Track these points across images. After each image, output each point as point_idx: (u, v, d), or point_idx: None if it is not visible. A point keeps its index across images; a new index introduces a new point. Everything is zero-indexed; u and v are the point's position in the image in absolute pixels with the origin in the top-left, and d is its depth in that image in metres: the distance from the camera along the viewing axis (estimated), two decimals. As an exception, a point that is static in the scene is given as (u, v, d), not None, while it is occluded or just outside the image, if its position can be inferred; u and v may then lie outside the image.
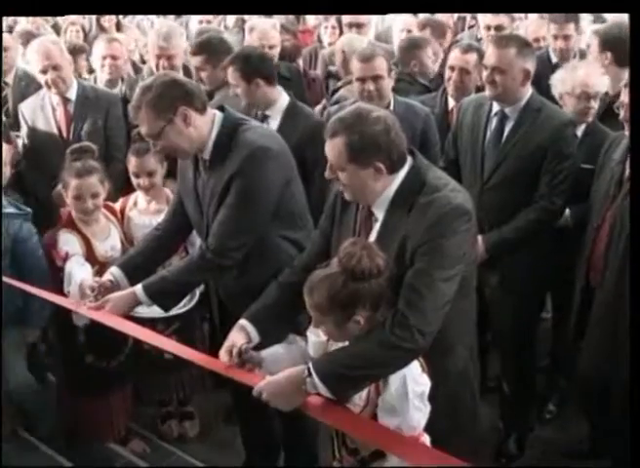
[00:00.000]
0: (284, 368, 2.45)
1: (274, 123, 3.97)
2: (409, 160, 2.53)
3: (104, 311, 3.05)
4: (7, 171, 4.04)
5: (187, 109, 2.89)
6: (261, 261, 3.09)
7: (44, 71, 4.46)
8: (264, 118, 4.01)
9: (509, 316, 3.71)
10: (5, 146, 4.07)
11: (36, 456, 3.90)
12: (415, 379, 2.32)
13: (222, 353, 2.62)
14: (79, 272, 3.43)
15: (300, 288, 2.49)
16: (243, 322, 2.71)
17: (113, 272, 3.22)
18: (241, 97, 3.99)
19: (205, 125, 2.98)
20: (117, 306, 3.05)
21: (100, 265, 3.59)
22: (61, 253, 3.59)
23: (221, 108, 3.08)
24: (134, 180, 3.85)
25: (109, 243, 3.73)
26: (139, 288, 3.05)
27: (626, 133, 3.30)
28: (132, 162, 3.82)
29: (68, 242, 3.63)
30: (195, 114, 2.92)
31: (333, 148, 2.46)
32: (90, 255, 3.64)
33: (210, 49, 4.49)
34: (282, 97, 4.01)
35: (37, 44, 4.58)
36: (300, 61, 6.01)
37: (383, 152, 2.43)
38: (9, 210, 3.68)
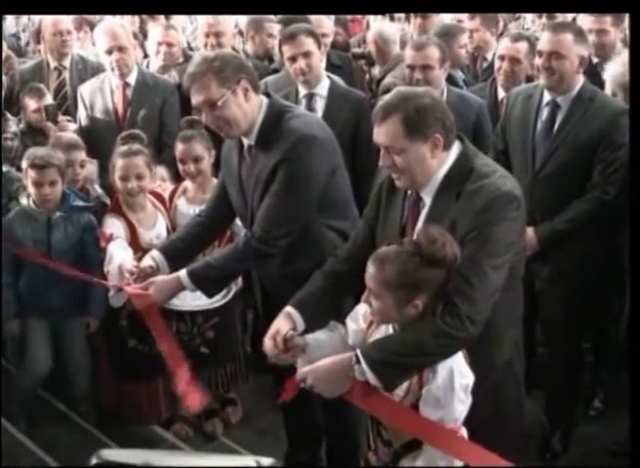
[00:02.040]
0: (327, 353, 2.46)
1: (321, 102, 4.06)
2: (458, 146, 2.52)
3: (147, 293, 3.07)
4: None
5: (248, 84, 2.91)
6: (306, 250, 3.07)
7: (109, 52, 4.50)
8: (311, 97, 4.06)
9: (559, 309, 3.65)
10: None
11: (81, 436, 3.96)
12: (461, 372, 2.31)
13: (267, 339, 2.63)
14: (120, 254, 3.45)
15: (346, 277, 2.55)
16: (289, 309, 2.70)
17: (154, 255, 3.23)
18: (308, 65, 4.01)
19: (256, 106, 2.98)
20: (161, 289, 3.07)
21: (143, 252, 3.59)
22: (106, 234, 3.63)
23: (267, 94, 3.09)
24: (180, 167, 3.87)
25: (155, 231, 3.76)
26: (183, 273, 3.06)
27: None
28: (178, 148, 3.85)
29: (113, 225, 3.67)
30: (253, 92, 2.94)
31: (388, 130, 2.44)
32: (134, 242, 3.68)
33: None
34: (325, 77, 4.12)
35: (105, 25, 4.69)
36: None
37: (439, 122, 2.43)
38: (78, 203, 3.80)
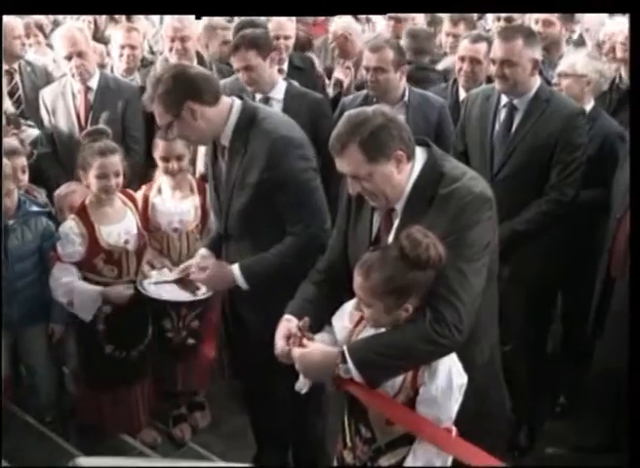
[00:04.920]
0: None
1: (278, 105, 4.08)
2: (423, 152, 2.52)
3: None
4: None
5: (195, 104, 2.90)
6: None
7: (69, 58, 4.46)
8: (267, 101, 4.08)
9: (522, 309, 3.68)
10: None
11: (46, 445, 3.90)
12: (459, 372, 2.35)
13: (279, 339, 2.57)
14: (80, 283, 3.58)
15: (330, 287, 2.62)
16: (288, 316, 2.66)
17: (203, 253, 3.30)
18: (252, 78, 4.03)
19: (218, 114, 2.98)
20: (215, 278, 3.12)
21: (105, 254, 3.64)
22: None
23: (240, 97, 3.10)
24: (162, 165, 3.84)
25: (124, 226, 3.72)
26: (236, 267, 3.07)
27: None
28: (160, 146, 3.80)
29: (68, 235, 3.62)
30: (204, 108, 2.93)
31: (349, 160, 2.43)
32: (92, 243, 3.63)
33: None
34: (280, 80, 4.13)
35: (63, 30, 4.61)
36: (313, 54, 5.97)
37: (397, 138, 2.42)
38: (33, 208, 3.74)
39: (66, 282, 3.60)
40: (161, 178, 3.91)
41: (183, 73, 2.95)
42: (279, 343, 2.57)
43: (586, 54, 3.96)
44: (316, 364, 2.43)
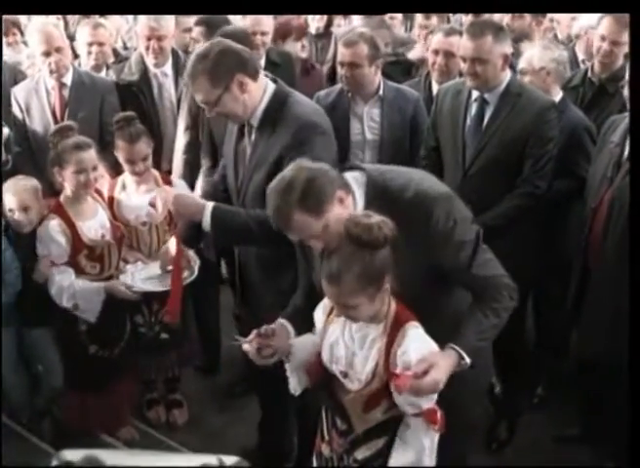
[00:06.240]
0: (309, 351, 2.51)
1: None
2: (363, 175, 2.51)
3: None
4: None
5: (244, 77, 2.94)
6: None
7: (47, 53, 4.41)
8: None
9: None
10: None
11: (24, 447, 3.88)
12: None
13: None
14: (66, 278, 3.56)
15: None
16: (282, 321, 2.66)
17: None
18: None
19: (257, 91, 3.02)
20: (185, 200, 3.11)
21: (88, 250, 3.63)
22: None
23: (274, 80, 3.13)
24: (128, 167, 3.82)
25: (98, 221, 3.71)
26: (209, 205, 3.05)
27: (623, 115, 3.34)
28: (124, 148, 3.77)
29: (52, 236, 3.57)
30: (250, 81, 2.97)
31: (301, 223, 2.36)
32: (76, 240, 3.61)
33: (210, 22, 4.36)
34: None
35: (39, 25, 4.55)
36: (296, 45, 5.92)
37: (329, 180, 2.37)
38: None
39: (69, 285, 3.59)
40: (124, 175, 3.90)
41: (230, 47, 2.99)
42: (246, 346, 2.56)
43: (540, 46, 3.96)
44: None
